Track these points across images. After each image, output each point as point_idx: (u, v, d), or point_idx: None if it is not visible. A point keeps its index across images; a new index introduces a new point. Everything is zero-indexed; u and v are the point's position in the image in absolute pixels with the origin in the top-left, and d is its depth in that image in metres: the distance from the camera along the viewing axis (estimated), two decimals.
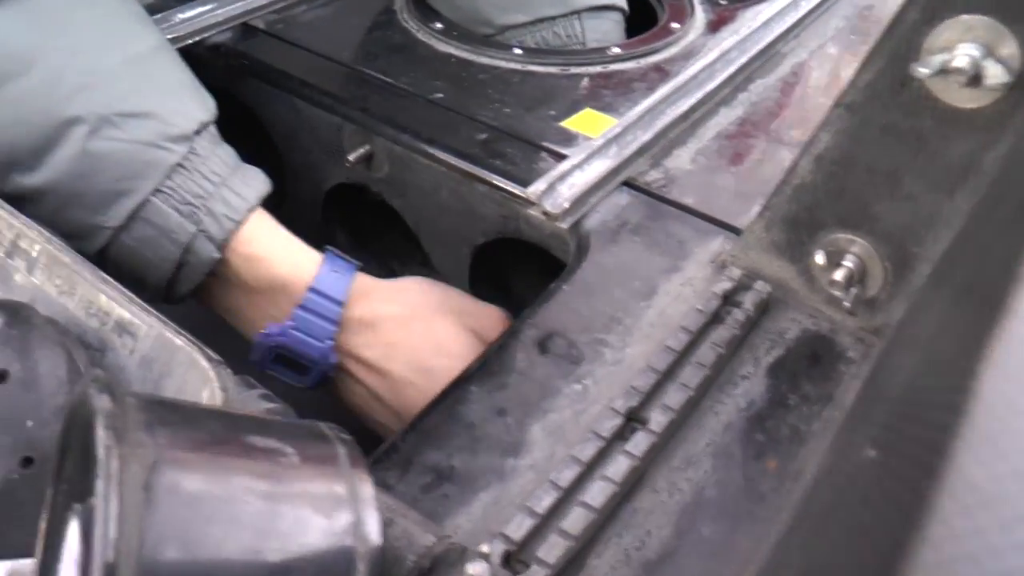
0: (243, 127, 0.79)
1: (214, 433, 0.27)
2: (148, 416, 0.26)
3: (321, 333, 0.58)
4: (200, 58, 0.74)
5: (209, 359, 0.41)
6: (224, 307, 0.62)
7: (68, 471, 0.32)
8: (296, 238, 0.61)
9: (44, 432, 0.41)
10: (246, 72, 0.72)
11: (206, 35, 0.73)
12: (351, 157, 0.67)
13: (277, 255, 0.59)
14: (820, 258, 0.50)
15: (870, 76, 0.43)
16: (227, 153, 0.59)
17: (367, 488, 0.27)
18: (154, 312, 0.44)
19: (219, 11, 0.74)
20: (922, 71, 0.40)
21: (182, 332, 0.43)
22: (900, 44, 0.41)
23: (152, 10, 0.73)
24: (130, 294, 0.45)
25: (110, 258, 0.56)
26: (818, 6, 0.82)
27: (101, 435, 0.24)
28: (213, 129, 0.59)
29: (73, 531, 0.27)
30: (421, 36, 0.75)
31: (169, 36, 0.70)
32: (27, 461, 0.40)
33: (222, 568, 0.24)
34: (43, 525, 0.32)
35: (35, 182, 0.54)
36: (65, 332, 0.44)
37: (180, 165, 0.55)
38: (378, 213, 0.78)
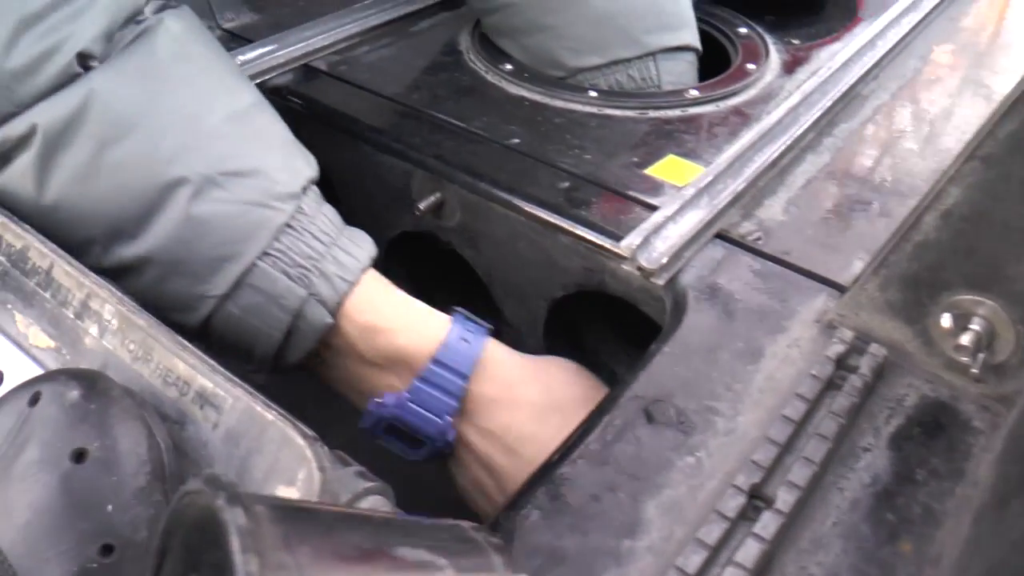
0: None
1: (358, 546, 0.24)
2: (284, 529, 0.23)
3: (440, 408, 0.53)
4: None
5: (304, 435, 0.38)
6: (336, 378, 0.58)
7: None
8: (415, 300, 0.56)
9: (125, 517, 0.38)
10: (307, 116, 0.70)
11: (267, 77, 0.71)
12: (421, 205, 0.64)
13: (398, 323, 0.55)
14: (946, 321, 0.46)
15: (1013, 126, 0.40)
16: (332, 212, 0.56)
17: None
18: (240, 382, 0.41)
19: (280, 53, 0.72)
20: None
21: (272, 405, 0.39)
22: None
23: None
24: (212, 362, 0.42)
25: (214, 328, 0.53)
26: (895, 46, 0.79)
27: (241, 561, 0.21)
28: (316, 187, 0.56)
29: None
30: (490, 78, 0.73)
31: None
32: (107, 549, 0.37)
33: None
34: None
35: (137, 252, 0.51)
36: (143, 404, 0.41)
37: (288, 225, 0.52)
38: (442, 264, 0.76)
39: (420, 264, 0.76)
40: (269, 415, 0.39)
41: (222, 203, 0.50)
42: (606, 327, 0.69)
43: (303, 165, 0.55)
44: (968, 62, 0.81)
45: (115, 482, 0.38)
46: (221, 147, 0.51)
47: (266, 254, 0.51)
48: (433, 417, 0.53)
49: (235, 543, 0.22)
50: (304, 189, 0.54)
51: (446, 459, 0.57)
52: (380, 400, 0.54)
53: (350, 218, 0.73)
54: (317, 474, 0.37)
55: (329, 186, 0.72)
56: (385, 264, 0.73)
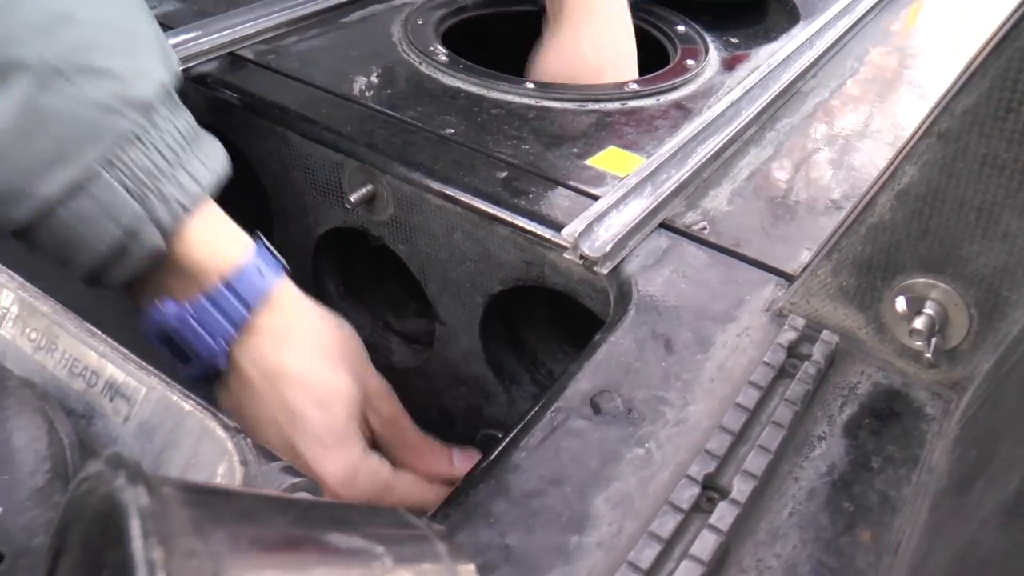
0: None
1: (282, 531, 0.21)
2: (195, 512, 0.20)
3: (218, 331, 0.51)
4: (182, 90, 0.67)
5: (225, 427, 0.34)
6: None
7: None
8: (227, 219, 0.54)
9: (19, 520, 0.34)
10: (233, 105, 0.66)
11: (190, 65, 0.67)
12: (352, 198, 0.61)
13: (201, 237, 0.52)
14: (900, 305, 0.45)
15: (970, 100, 0.39)
16: (186, 124, 0.52)
17: None
18: (155, 371, 0.37)
19: (204, 40, 0.68)
20: None
21: (189, 395, 0.36)
22: (1011, 64, 0.37)
23: None
24: (123, 350, 0.38)
25: (38, 231, 0.48)
26: (833, 45, 0.79)
27: (140, 545, 0.18)
28: (173, 90, 0.52)
29: None
30: (425, 69, 0.70)
31: None
32: None
33: None
34: None
35: None
36: (44, 396, 0.37)
37: (136, 136, 0.48)
38: (373, 261, 0.73)
39: (352, 261, 0.73)
40: (186, 405, 0.35)
41: (67, 99, 0.46)
42: (545, 325, 0.67)
43: (163, 68, 0.51)
44: (901, 63, 0.81)
45: (7, 482, 0.34)
46: (80, 36, 0.46)
47: (109, 163, 0.47)
48: (208, 339, 0.51)
49: (135, 527, 0.18)
50: (160, 95, 0.50)
51: (211, 381, 0.55)
52: (161, 307, 0.51)
53: (278, 214, 0.70)
54: (239, 468, 0.34)
55: (255, 179, 0.69)
56: (315, 262, 0.70)
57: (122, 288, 0.53)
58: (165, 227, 0.50)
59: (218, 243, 0.52)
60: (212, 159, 0.53)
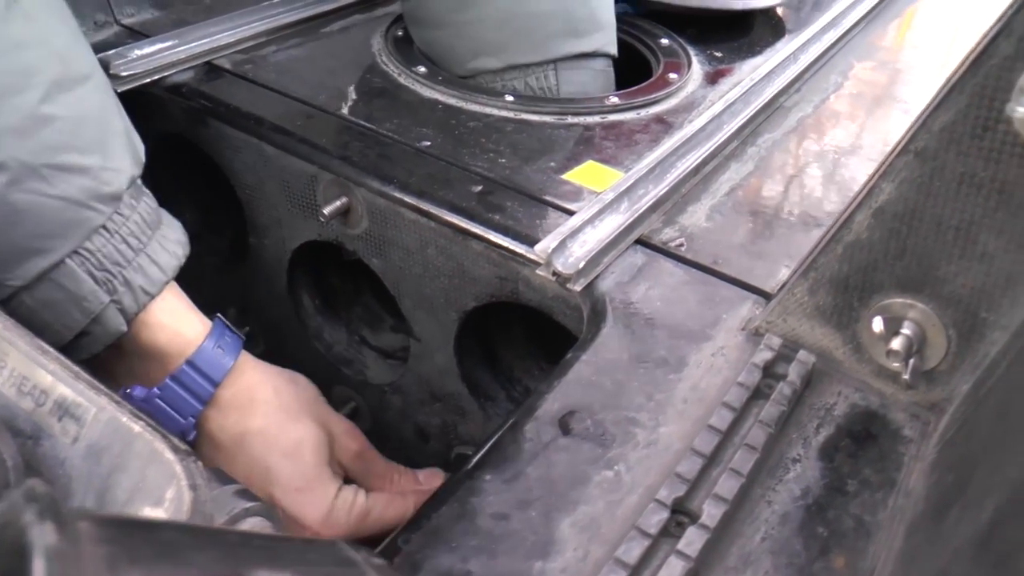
0: (197, 174, 0.72)
1: (206, 570, 0.19)
2: (111, 550, 0.19)
3: (186, 409, 0.52)
4: (158, 99, 0.66)
5: (175, 449, 0.33)
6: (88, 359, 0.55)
7: None
8: (185, 300, 0.55)
9: None
10: (209, 115, 0.65)
11: (165, 74, 0.66)
12: (326, 211, 0.60)
13: (165, 319, 0.53)
14: (877, 325, 0.44)
15: (947, 118, 0.38)
16: (147, 208, 0.52)
17: None
18: (105, 390, 0.36)
19: (180, 49, 0.67)
20: (1020, 111, 0.35)
21: (140, 416, 0.35)
22: (988, 82, 0.36)
23: (107, 45, 0.66)
24: (76, 368, 0.37)
25: None
26: (816, 60, 0.78)
27: None
28: (138, 179, 0.53)
29: None
30: (403, 80, 0.69)
31: (125, 74, 0.63)
32: None
33: None
34: None
35: None
36: None
37: (103, 227, 0.49)
38: (348, 275, 0.71)
39: (328, 275, 0.72)
40: (136, 427, 0.34)
41: (41, 196, 0.46)
42: (521, 341, 0.66)
43: (131, 162, 0.51)
44: (887, 78, 0.80)
45: None
46: (53, 136, 0.47)
47: (76, 253, 0.48)
48: (178, 417, 0.52)
49: (39, 568, 0.17)
50: (128, 188, 0.50)
51: None
52: (129, 391, 0.52)
53: (253, 227, 0.69)
54: (188, 493, 0.33)
55: (230, 192, 0.68)
56: (290, 275, 0.69)
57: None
58: (128, 313, 0.50)
59: (180, 325, 0.53)
60: (173, 242, 0.53)
